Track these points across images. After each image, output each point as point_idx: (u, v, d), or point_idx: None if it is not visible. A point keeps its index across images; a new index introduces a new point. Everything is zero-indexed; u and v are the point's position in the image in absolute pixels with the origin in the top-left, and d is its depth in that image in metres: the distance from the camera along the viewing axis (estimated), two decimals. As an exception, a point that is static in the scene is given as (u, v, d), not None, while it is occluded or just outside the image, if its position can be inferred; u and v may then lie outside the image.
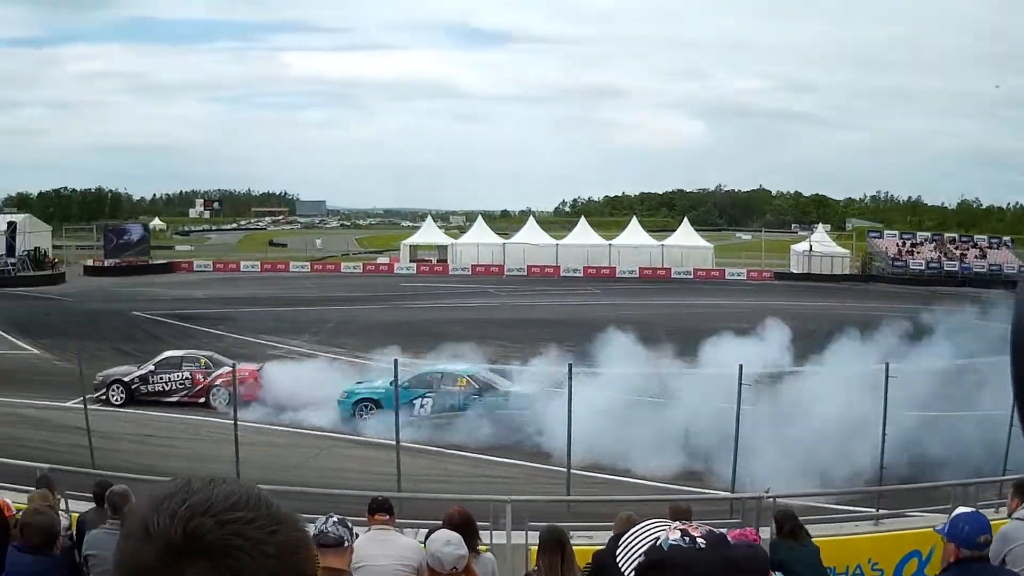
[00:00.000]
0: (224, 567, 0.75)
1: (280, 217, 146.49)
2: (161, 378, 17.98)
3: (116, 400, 17.38)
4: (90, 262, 58.44)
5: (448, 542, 4.14)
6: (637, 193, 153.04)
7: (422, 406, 14.84)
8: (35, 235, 58.33)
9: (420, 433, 14.33)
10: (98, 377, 17.57)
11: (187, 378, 18.06)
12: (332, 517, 3.86)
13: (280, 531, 0.81)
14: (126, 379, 17.69)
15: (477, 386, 15.63)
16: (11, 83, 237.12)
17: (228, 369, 16.10)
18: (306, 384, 16.84)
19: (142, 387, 17.62)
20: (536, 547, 4.89)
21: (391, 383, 13.24)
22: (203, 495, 0.79)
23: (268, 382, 16.99)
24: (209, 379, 17.86)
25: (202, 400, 17.53)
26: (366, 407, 15.67)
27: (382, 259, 61.10)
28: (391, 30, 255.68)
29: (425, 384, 15.75)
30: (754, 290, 44.87)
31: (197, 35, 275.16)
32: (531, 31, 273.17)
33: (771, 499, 7.92)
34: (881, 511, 9.49)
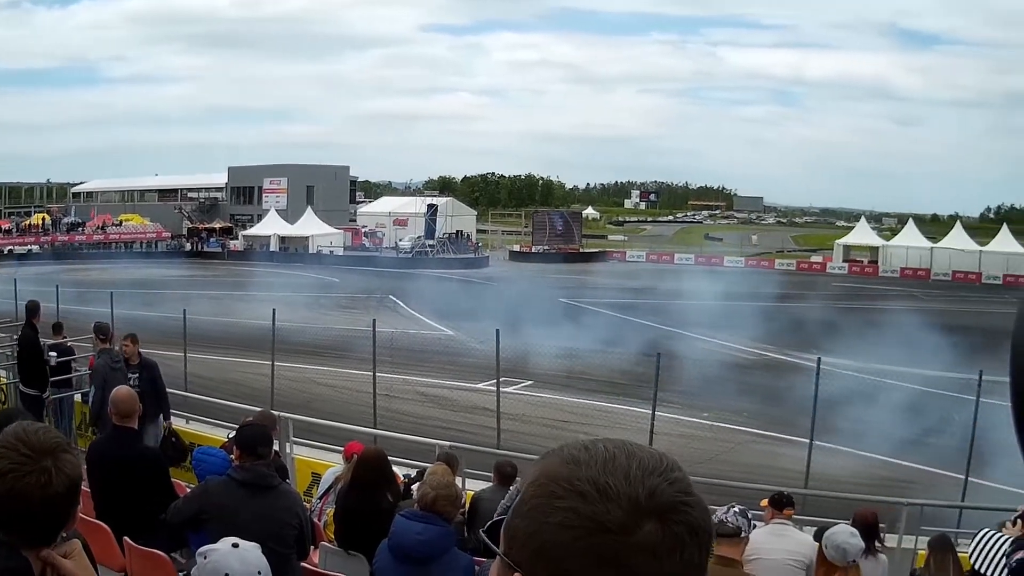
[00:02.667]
0: (680, 522, 0.81)
1: (717, 212, 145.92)
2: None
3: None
4: (516, 247, 58.10)
5: (853, 534, 4.54)
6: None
7: None
8: (458, 218, 59.44)
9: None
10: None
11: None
12: (734, 507, 3.91)
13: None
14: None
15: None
16: (434, 68, 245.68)
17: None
18: None
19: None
20: (924, 551, 5.01)
21: None
22: (641, 458, 0.84)
23: None
24: None
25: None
26: None
27: (815, 257, 61.55)
28: (827, 28, 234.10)
29: None
30: None
31: (630, 27, 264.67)
32: (960, 34, 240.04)
33: None
34: None
